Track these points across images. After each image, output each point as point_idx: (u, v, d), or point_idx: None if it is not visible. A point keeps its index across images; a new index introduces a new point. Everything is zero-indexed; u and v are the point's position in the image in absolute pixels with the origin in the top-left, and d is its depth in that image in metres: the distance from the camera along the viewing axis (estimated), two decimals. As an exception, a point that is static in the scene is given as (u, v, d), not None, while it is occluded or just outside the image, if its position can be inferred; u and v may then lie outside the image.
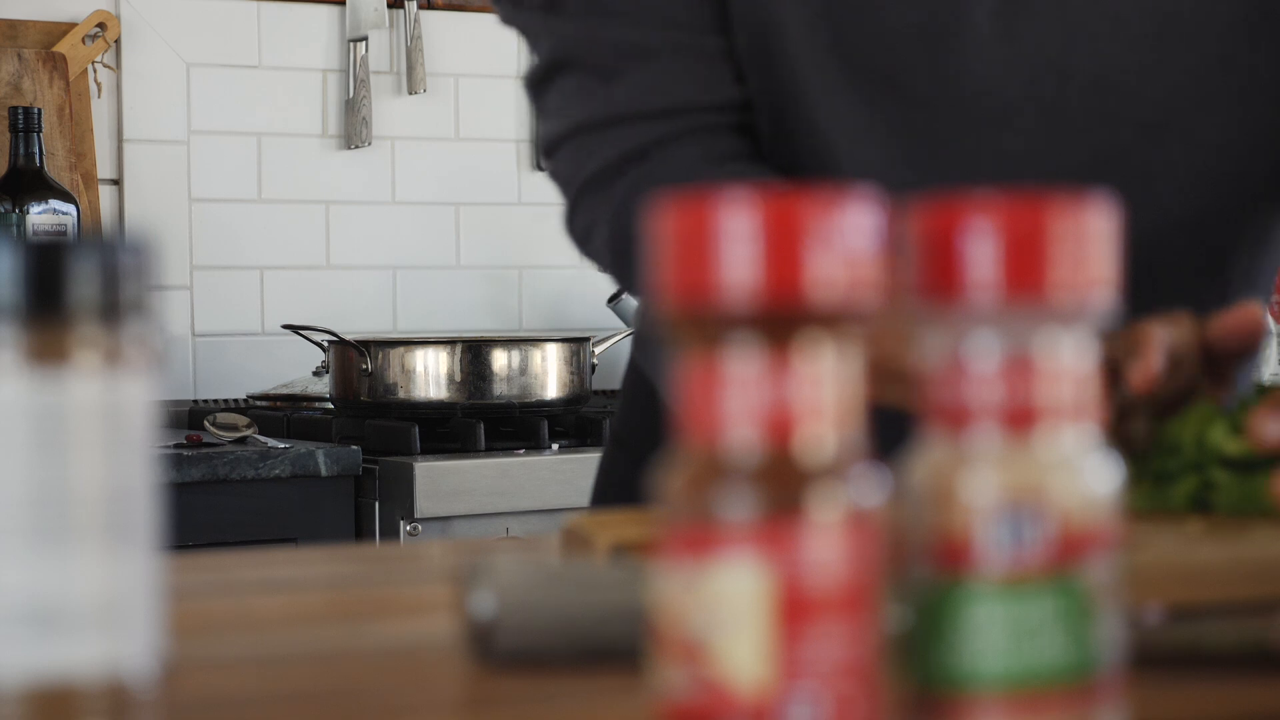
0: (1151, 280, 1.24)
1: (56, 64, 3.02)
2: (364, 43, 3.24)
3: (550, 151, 1.28)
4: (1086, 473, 0.53)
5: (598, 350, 2.93)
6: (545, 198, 3.39)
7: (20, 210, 2.83)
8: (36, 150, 2.86)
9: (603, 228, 1.24)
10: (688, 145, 1.23)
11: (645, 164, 1.23)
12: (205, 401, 3.11)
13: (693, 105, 1.23)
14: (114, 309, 0.57)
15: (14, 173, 2.86)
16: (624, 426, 1.41)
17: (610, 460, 1.43)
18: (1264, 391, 0.99)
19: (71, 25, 3.07)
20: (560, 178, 1.28)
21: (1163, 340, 1.01)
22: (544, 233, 3.40)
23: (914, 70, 1.21)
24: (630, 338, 3.15)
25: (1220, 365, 1.05)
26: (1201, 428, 0.99)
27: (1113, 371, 1.00)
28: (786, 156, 1.24)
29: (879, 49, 1.21)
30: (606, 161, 1.24)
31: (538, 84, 1.28)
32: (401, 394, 2.77)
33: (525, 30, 1.29)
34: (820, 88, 1.22)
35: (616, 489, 1.39)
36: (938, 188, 1.20)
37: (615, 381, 3.36)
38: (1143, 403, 1.00)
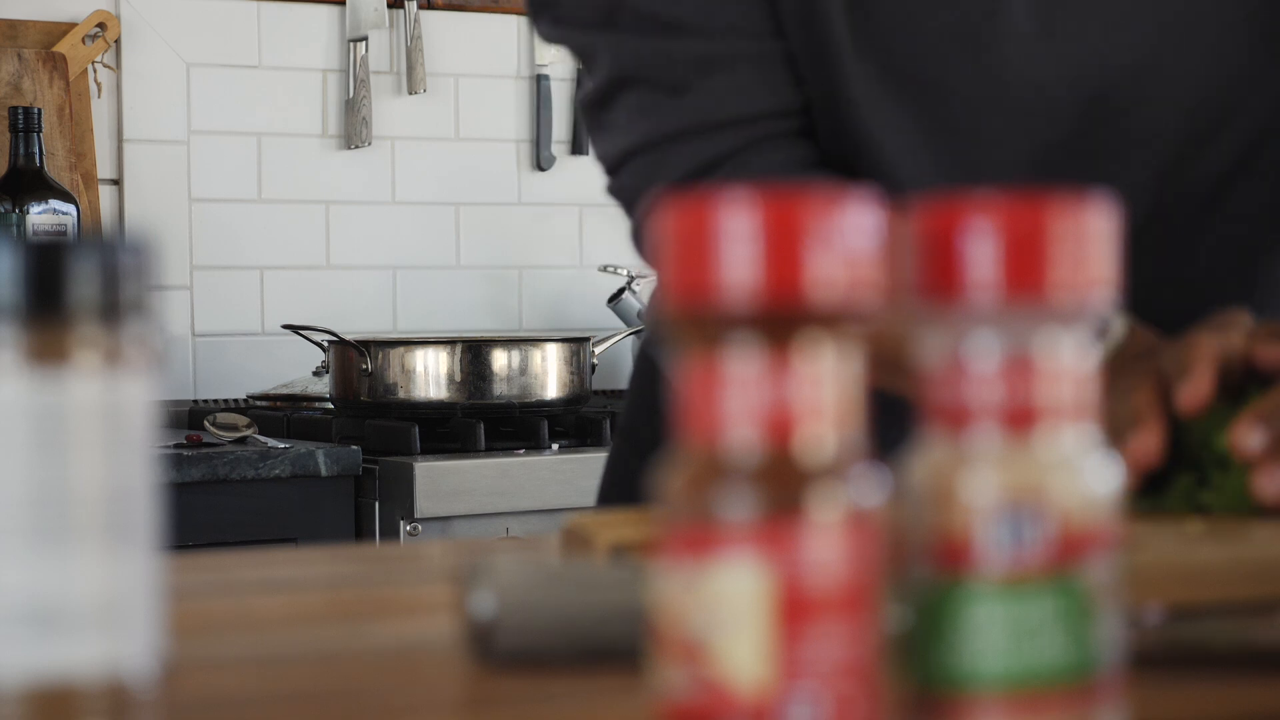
0: (1187, 266, 1.25)
1: (56, 64, 3.02)
2: (364, 43, 3.25)
3: (615, 168, 1.27)
4: (1086, 473, 0.53)
5: (598, 350, 2.93)
6: (545, 198, 3.39)
7: (20, 210, 2.83)
8: (36, 150, 2.86)
9: None
10: (761, 154, 1.23)
11: (720, 175, 1.22)
12: (205, 401, 3.11)
13: (762, 113, 1.23)
14: (114, 309, 0.57)
15: (14, 173, 2.86)
16: (632, 423, 1.41)
17: (618, 456, 1.43)
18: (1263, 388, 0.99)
19: (71, 25, 3.07)
20: (628, 193, 1.27)
21: (1215, 356, 1.00)
22: (544, 233, 3.40)
23: (956, 72, 1.21)
24: (634, 335, 3.15)
25: (1265, 376, 1.04)
26: (1209, 429, 0.99)
27: (1165, 387, 1.00)
28: (842, 158, 1.24)
29: (919, 52, 1.21)
30: (680, 175, 1.23)
31: (598, 102, 1.26)
32: (401, 394, 2.77)
33: (577, 49, 1.28)
34: (865, 92, 1.22)
35: (623, 486, 1.39)
36: (984, 185, 1.21)
37: (615, 381, 3.36)
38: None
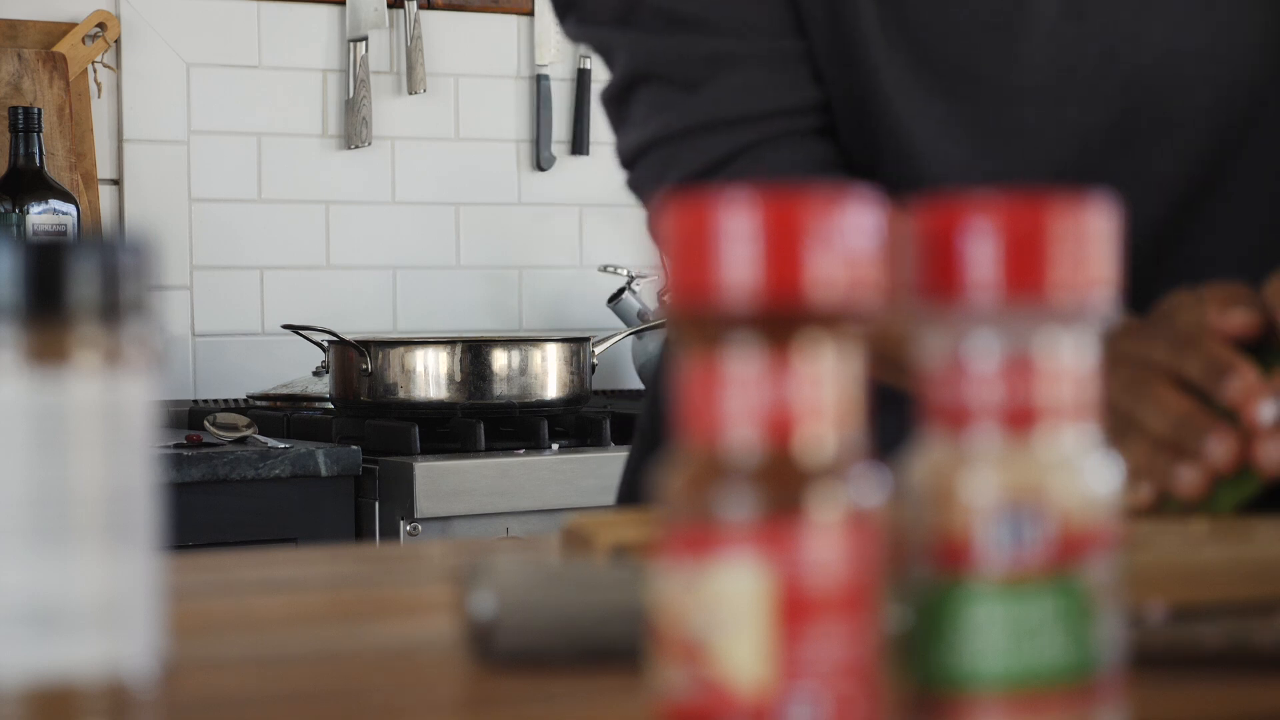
0: (1223, 250, 1.25)
1: (56, 64, 3.02)
2: (364, 43, 3.25)
3: (631, 162, 1.29)
4: (1086, 473, 0.53)
5: (598, 350, 2.93)
6: (545, 198, 3.39)
7: (20, 210, 2.83)
8: (36, 150, 2.86)
9: None
10: (773, 152, 1.23)
11: (731, 171, 1.23)
12: (205, 401, 3.11)
13: (776, 110, 1.24)
14: (114, 309, 0.57)
15: (14, 173, 2.86)
16: (652, 423, 1.41)
17: (638, 457, 1.42)
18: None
19: (71, 25, 3.07)
20: (642, 187, 1.28)
21: (1232, 344, 1.00)
22: (544, 233, 3.40)
23: (987, 57, 1.22)
24: (634, 336, 3.15)
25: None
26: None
27: (1173, 379, 0.99)
28: (867, 155, 1.24)
29: (950, 41, 1.22)
30: (691, 170, 1.24)
31: (616, 98, 1.28)
32: (401, 394, 2.77)
33: (598, 46, 1.30)
34: (896, 85, 1.22)
35: (643, 486, 1.39)
36: (1020, 174, 1.21)
37: (615, 381, 3.36)
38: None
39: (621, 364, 3.37)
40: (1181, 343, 1.00)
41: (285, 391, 3.02)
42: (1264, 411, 0.96)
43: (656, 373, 1.45)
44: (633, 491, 1.41)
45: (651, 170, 1.26)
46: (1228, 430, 0.97)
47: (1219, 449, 0.96)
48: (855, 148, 1.25)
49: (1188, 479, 0.97)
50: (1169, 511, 0.98)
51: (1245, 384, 0.97)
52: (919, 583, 0.53)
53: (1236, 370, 0.97)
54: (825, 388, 0.51)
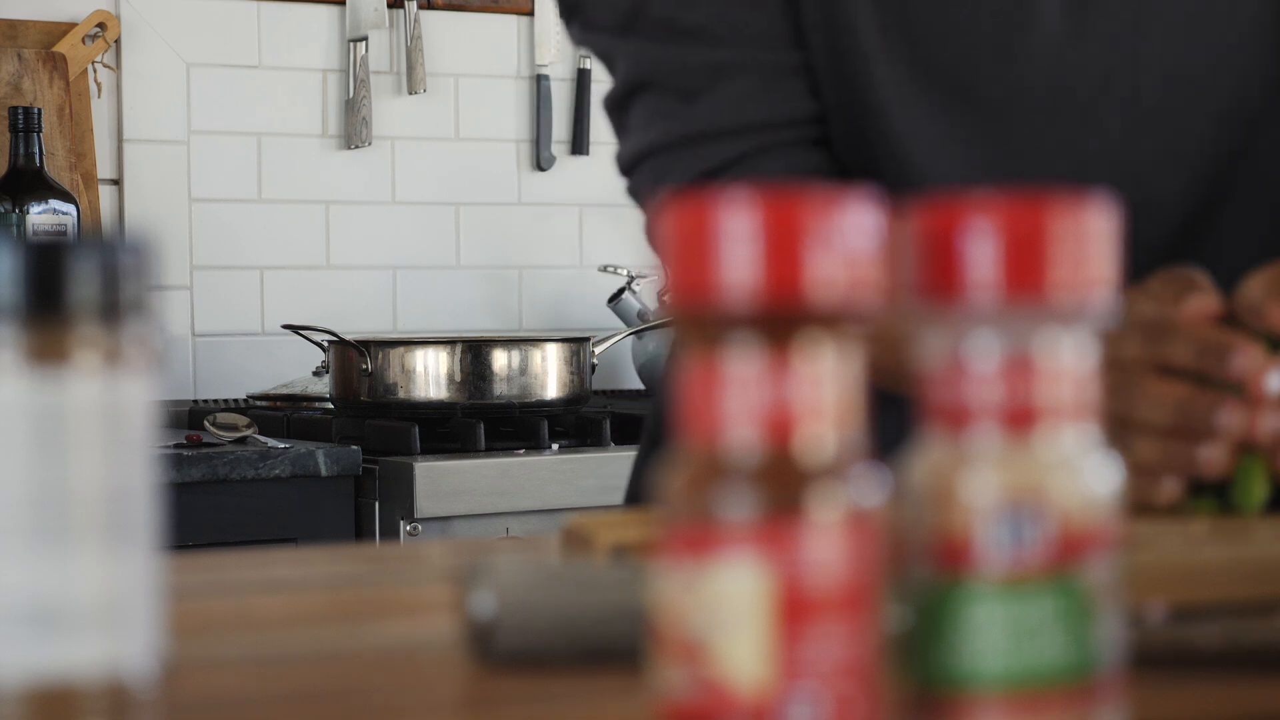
0: (1220, 263, 1.25)
1: (56, 64, 3.02)
2: (364, 43, 3.25)
3: (629, 169, 1.30)
4: (1086, 473, 0.53)
5: (598, 350, 2.93)
6: (545, 198, 3.39)
7: (20, 210, 2.83)
8: (36, 150, 2.86)
9: None
10: (768, 161, 1.24)
11: (726, 179, 1.24)
12: (205, 401, 3.11)
13: (771, 121, 1.25)
14: (114, 309, 0.57)
15: (14, 173, 2.86)
16: (658, 424, 1.41)
17: (644, 458, 1.43)
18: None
19: (71, 25, 3.07)
20: (641, 194, 1.30)
21: (1234, 329, 1.00)
22: (544, 233, 3.40)
23: (988, 75, 1.22)
24: (634, 336, 3.15)
25: None
26: None
27: (1183, 374, 0.99)
28: (864, 166, 1.25)
29: (952, 55, 1.22)
30: (687, 178, 1.25)
31: (617, 105, 1.30)
32: (401, 394, 2.77)
33: (601, 52, 1.31)
34: (896, 97, 1.23)
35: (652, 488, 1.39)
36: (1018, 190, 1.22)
37: (615, 381, 3.36)
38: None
39: (621, 364, 3.37)
40: (1155, 333, 1.00)
41: (285, 391, 3.02)
42: (1272, 383, 0.96)
43: (665, 373, 1.46)
44: (640, 493, 1.41)
45: (649, 177, 1.27)
46: (1236, 400, 0.96)
47: (1234, 419, 0.96)
48: (852, 160, 1.26)
49: (1212, 457, 0.96)
50: (1201, 508, 0.98)
51: (1252, 359, 0.97)
52: (919, 583, 0.53)
53: (1239, 347, 0.97)
54: (825, 388, 0.51)
